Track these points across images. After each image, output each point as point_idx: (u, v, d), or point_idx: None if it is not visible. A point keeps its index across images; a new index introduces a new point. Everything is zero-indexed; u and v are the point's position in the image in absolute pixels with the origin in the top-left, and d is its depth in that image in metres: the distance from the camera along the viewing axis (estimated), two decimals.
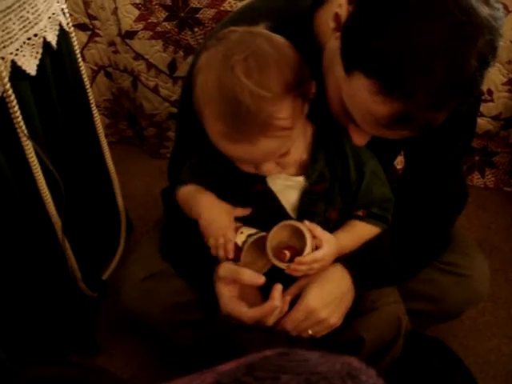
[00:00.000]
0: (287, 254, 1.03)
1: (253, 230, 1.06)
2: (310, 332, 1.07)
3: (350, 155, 1.06)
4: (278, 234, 1.04)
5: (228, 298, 1.06)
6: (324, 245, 1.03)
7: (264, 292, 1.05)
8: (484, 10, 0.75)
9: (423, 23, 0.75)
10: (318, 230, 1.04)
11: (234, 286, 1.06)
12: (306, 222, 1.04)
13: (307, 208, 1.08)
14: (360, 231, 1.11)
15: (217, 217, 1.06)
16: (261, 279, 1.02)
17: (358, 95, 0.84)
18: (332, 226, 1.11)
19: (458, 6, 0.74)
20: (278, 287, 1.03)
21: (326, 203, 1.08)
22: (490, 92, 1.77)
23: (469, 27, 0.75)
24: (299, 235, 1.03)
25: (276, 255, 1.03)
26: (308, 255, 1.02)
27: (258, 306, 1.03)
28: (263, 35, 0.92)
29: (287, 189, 1.07)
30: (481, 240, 1.79)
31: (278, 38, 0.93)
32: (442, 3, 0.75)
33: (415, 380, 1.30)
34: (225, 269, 1.06)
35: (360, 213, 1.11)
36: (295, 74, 0.91)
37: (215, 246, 1.05)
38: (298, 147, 0.99)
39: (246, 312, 1.03)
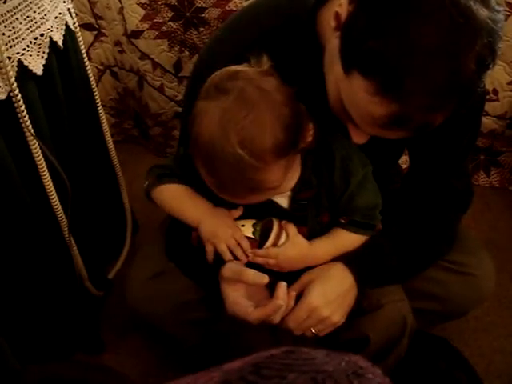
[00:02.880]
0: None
1: (251, 220, 1.09)
2: (313, 331, 1.07)
3: (337, 164, 1.06)
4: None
5: (233, 298, 1.06)
6: (286, 244, 1.07)
7: (271, 288, 1.06)
8: (483, 13, 0.75)
9: (421, 25, 0.75)
10: (290, 229, 1.08)
11: (240, 286, 1.06)
12: (283, 221, 1.08)
13: (299, 213, 1.09)
14: (341, 238, 1.11)
15: (220, 221, 1.07)
16: (264, 279, 1.02)
17: (356, 95, 0.84)
18: (326, 230, 1.12)
19: (457, 9, 0.74)
20: (282, 285, 1.03)
21: (315, 208, 1.09)
22: (495, 91, 1.77)
23: (467, 29, 0.75)
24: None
25: None
26: (262, 249, 1.06)
27: (263, 307, 1.03)
28: (262, 92, 0.90)
29: (277, 196, 1.08)
30: (486, 239, 1.79)
31: (278, 93, 0.91)
32: (440, 5, 0.75)
33: (421, 379, 1.30)
34: (228, 270, 1.06)
35: (342, 220, 1.11)
36: (290, 137, 0.91)
37: (227, 250, 1.06)
38: (291, 179, 1.01)
39: (251, 313, 1.04)
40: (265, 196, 0.99)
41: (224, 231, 1.06)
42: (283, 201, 1.09)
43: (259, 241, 1.07)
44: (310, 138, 0.97)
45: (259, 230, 1.07)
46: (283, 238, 1.07)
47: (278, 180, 0.94)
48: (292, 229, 1.08)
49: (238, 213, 1.09)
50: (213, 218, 1.08)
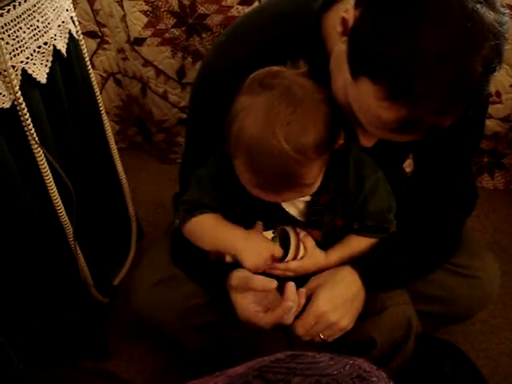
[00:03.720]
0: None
1: (268, 233, 1.10)
2: (321, 336, 1.07)
3: (351, 168, 1.08)
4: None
5: (244, 305, 1.07)
6: (304, 258, 1.09)
7: (279, 289, 1.06)
8: (489, 16, 0.76)
9: (429, 30, 0.76)
10: (308, 243, 1.09)
11: (248, 292, 1.07)
12: (302, 233, 1.09)
13: (315, 218, 1.11)
14: (355, 245, 1.13)
15: (256, 242, 1.08)
16: (273, 284, 1.03)
17: (365, 100, 0.84)
18: (339, 233, 1.14)
19: (464, 12, 0.75)
20: (291, 286, 1.04)
21: (331, 213, 1.10)
22: (498, 94, 1.77)
23: (474, 33, 0.76)
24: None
25: None
26: (282, 263, 1.08)
27: (273, 311, 1.04)
28: (306, 90, 0.93)
29: (295, 200, 1.09)
30: (491, 242, 1.79)
31: (318, 93, 0.95)
32: (447, 10, 0.75)
33: (426, 382, 1.29)
34: (236, 278, 1.07)
35: (355, 225, 1.13)
36: (330, 134, 0.94)
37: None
38: (318, 182, 1.02)
39: (263, 318, 1.05)
40: (300, 193, 1.00)
41: (259, 251, 1.07)
42: (301, 204, 1.11)
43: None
44: (341, 141, 1.00)
45: (278, 243, 1.09)
46: (301, 252, 1.09)
47: (315, 177, 0.98)
48: (310, 242, 1.10)
49: (261, 227, 1.11)
50: (252, 248, 1.08)
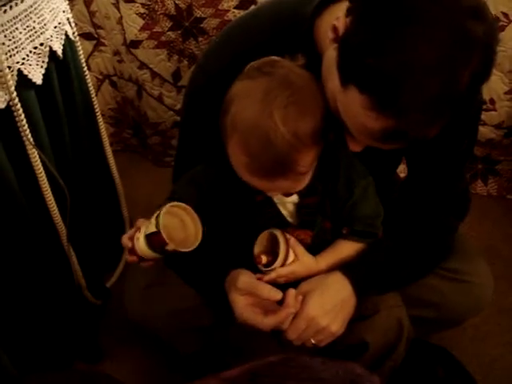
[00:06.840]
0: (263, 258, 1.08)
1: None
2: (312, 341, 1.07)
3: (342, 173, 1.08)
4: (264, 239, 1.09)
5: (243, 306, 1.07)
6: (294, 263, 1.08)
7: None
8: (479, 29, 0.77)
9: (418, 43, 0.76)
10: (297, 249, 1.09)
11: (249, 294, 1.07)
12: (291, 239, 1.08)
13: (306, 218, 1.11)
14: (344, 249, 1.13)
15: None
16: (279, 295, 1.03)
17: (352, 108, 0.85)
18: (328, 236, 1.14)
19: (453, 26, 0.76)
20: (292, 293, 1.04)
21: (321, 215, 1.11)
22: (492, 101, 1.77)
23: (462, 46, 0.76)
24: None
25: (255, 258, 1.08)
26: (273, 272, 1.07)
27: (275, 314, 1.04)
28: (303, 79, 0.95)
29: (284, 200, 1.10)
30: (484, 248, 1.79)
31: (315, 82, 0.96)
32: (436, 23, 0.76)
33: None
34: (243, 282, 1.07)
35: (344, 230, 1.13)
36: (325, 124, 0.95)
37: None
38: (310, 175, 1.02)
39: (263, 320, 1.04)
40: (292, 182, 0.99)
41: None
42: (290, 206, 1.11)
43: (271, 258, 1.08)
44: (332, 135, 1.00)
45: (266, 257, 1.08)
46: (291, 257, 1.08)
47: (308, 166, 0.97)
48: (299, 249, 1.10)
49: None
50: None
